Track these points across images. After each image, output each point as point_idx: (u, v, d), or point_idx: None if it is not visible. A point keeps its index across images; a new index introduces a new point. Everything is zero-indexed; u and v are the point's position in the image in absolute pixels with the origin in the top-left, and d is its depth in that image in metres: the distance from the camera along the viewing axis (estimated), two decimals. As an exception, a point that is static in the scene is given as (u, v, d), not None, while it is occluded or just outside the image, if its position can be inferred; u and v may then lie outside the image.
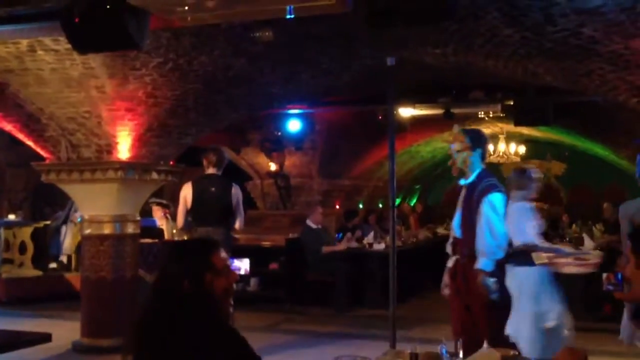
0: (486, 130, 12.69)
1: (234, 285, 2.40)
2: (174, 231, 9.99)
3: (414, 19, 3.78)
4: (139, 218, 7.32)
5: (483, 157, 4.93)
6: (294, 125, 10.81)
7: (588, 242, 9.15)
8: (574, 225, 11.19)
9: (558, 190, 15.75)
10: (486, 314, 4.60)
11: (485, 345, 3.06)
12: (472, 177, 4.86)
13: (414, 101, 9.27)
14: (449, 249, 5.05)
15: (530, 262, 4.73)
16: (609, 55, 5.04)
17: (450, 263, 4.95)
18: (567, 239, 10.07)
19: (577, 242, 9.43)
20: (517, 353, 3.24)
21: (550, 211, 12.04)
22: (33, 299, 9.30)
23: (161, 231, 9.56)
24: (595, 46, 4.94)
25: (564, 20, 4.64)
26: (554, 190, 15.71)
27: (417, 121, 10.00)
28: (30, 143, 7.24)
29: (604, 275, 2.71)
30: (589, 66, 5.40)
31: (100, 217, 6.94)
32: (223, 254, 2.37)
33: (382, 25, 3.96)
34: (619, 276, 2.66)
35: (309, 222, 9.60)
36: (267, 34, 5.16)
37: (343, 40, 6.02)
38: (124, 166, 6.77)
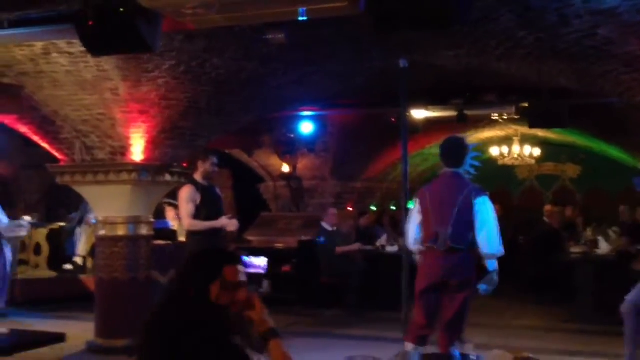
0: (500, 132, 12.64)
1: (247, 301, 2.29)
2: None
3: (424, 23, 3.76)
4: (152, 219, 7.35)
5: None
6: (306, 128, 10.80)
7: (603, 245, 9.08)
8: (589, 229, 11.09)
9: (573, 193, 15.63)
10: None
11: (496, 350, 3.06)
12: None
13: (426, 103, 9.24)
14: None
15: None
16: (624, 57, 5.00)
17: None
18: (583, 242, 9.99)
19: (593, 245, 9.36)
20: (530, 355, 3.22)
21: (566, 214, 11.95)
22: (48, 299, 9.36)
23: (174, 233, 9.60)
24: (610, 47, 4.90)
25: (579, 21, 4.60)
26: (569, 193, 15.58)
27: (430, 123, 9.96)
28: (45, 145, 7.30)
29: None
30: (604, 68, 5.36)
31: (114, 219, 6.97)
32: (239, 269, 2.31)
33: (391, 29, 3.95)
34: None
35: (324, 224, 9.59)
36: (279, 36, 5.16)
37: (355, 43, 6.02)
38: (138, 168, 6.81)
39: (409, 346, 4.84)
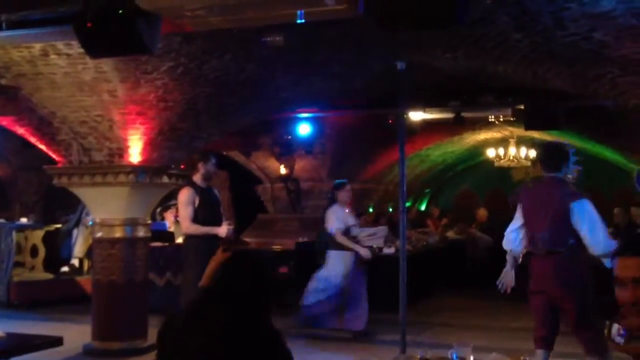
0: (496, 134, 12.68)
1: None
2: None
3: (425, 24, 3.78)
4: (149, 221, 7.35)
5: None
6: (304, 129, 10.82)
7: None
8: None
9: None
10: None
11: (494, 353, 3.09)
12: None
13: (424, 105, 9.27)
14: None
15: None
16: (619, 60, 5.03)
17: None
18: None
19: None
20: (527, 358, 3.23)
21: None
22: (44, 302, 9.35)
23: (171, 234, 9.61)
24: (605, 51, 4.93)
25: (574, 24, 4.63)
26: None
27: (427, 125, 9.98)
28: (42, 146, 7.30)
29: (616, 326, 2.59)
30: (599, 71, 5.39)
31: (112, 221, 6.97)
32: None
33: (393, 29, 3.97)
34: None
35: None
36: (277, 39, 5.18)
37: (354, 45, 6.03)
38: (136, 170, 6.81)
39: (539, 353, 5.02)
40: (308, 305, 7.62)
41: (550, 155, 5.08)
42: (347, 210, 7.69)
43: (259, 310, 2.37)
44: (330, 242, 7.64)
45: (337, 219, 7.54)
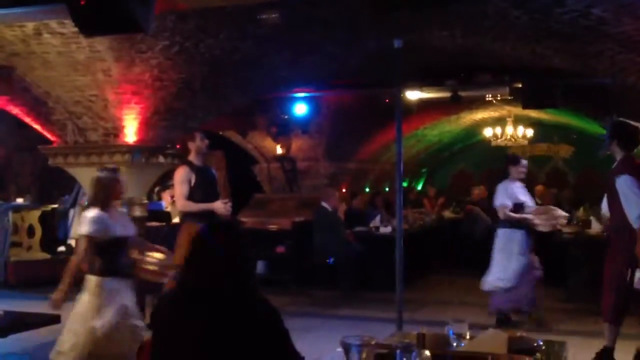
0: (493, 113, 12.65)
1: None
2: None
3: (422, 2, 3.74)
4: (146, 201, 7.34)
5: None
6: (300, 109, 10.78)
7: (596, 225, 9.12)
8: (581, 209, 11.14)
9: (565, 174, 15.69)
10: None
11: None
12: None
13: (421, 84, 9.22)
14: None
15: None
16: (618, 36, 5.01)
17: None
18: (575, 222, 10.04)
19: (585, 226, 9.41)
20: (524, 334, 3.24)
21: (558, 194, 12.01)
22: (41, 281, 9.35)
23: (168, 214, 9.61)
24: (604, 27, 4.90)
25: (573, 1, 4.59)
26: (561, 174, 15.64)
27: (424, 104, 9.95)
28: (37, 127, 7.27)
29: (638, 273, 2.65)
30: (598, 47, 5.37)
31: (108, 201, 6.95)
32: None
33: (389, 8, 3.93)
34: None
35: (324, 205, 9.45)
36: (273, 16, 5.13)
37: (350, 23, 5.99)
38: (131, 149, 6.79)
39: (612, 328, 5.13)
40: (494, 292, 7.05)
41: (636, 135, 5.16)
42: (519, 186, 7.04)
43: (246, 279, 2.36)
44: (498, 220, 7.10)
45: (506, 194, 6.90)
